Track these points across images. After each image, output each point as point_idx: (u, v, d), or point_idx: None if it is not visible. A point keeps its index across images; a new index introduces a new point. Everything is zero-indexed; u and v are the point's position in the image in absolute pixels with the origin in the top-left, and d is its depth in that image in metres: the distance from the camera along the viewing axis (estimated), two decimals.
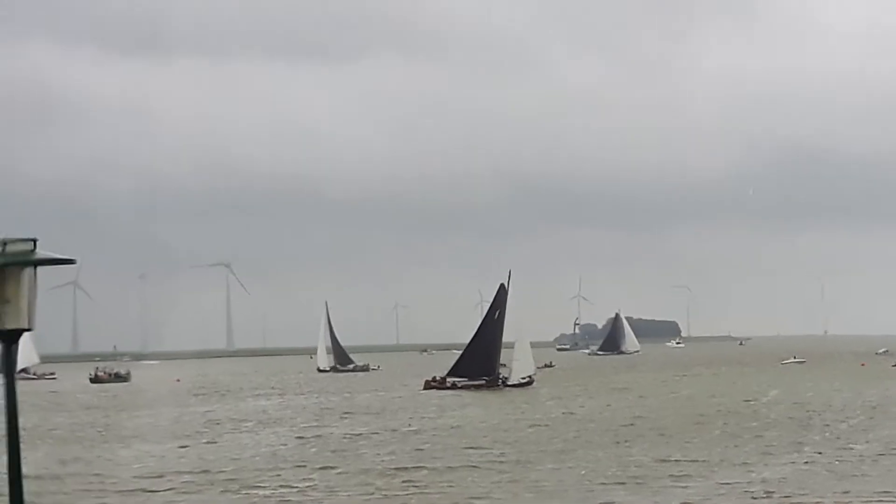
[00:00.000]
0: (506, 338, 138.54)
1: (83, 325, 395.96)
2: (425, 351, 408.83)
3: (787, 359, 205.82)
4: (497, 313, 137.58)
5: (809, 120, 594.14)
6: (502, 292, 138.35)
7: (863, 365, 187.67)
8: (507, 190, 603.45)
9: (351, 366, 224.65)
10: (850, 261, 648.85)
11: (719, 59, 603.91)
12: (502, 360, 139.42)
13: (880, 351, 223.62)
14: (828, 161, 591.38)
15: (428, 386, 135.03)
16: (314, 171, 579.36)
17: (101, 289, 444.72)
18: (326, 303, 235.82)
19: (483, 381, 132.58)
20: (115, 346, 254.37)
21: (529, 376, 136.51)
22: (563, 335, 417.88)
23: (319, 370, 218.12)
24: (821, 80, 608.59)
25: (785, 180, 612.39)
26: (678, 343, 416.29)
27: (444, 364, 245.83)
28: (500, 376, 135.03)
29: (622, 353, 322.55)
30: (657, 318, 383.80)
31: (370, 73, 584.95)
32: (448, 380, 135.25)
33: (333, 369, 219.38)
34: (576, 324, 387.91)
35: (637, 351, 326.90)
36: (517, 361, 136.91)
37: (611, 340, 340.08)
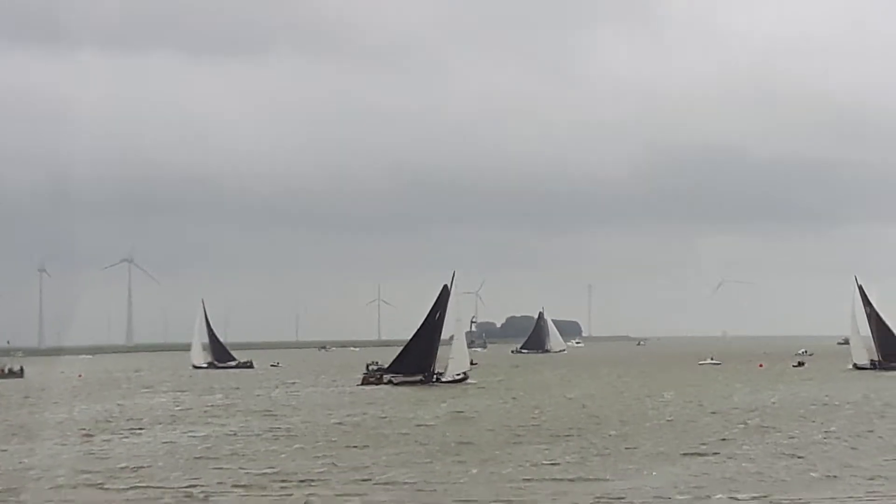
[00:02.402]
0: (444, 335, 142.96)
1: None
2: (324, 348, 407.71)
3: (704, 360, 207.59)
4: (438, 314, 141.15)
5: (710, 122, 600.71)
6: (444, 293, 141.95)
7: (760, 366, 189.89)
8: (407, 189, 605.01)
9: (233, 363, 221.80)
10: (750, 263, 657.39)
11: (623, 62, 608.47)
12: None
13: (800, 352, 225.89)
14: (729, 164, 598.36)
15: (365, 381, 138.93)
16: (217, 167, 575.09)
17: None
18: (203, 300, 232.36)
19: (419, 378, 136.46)
20: (8, 342, 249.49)
21: (464, 373, 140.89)
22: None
23: (194, 366, 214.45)
24: (721, 82, 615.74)
25: (687, 182, 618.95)
26: (577, 343, 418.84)
27: (342, 360, 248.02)
28: (435, 373, 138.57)
29: (547, 351, 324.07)
30: (559, 318, 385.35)
31: (275, 71, 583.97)
32: (384, 376, 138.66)
33: (210, 365, 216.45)
34: (472, 321, 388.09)
35: (563, 350, 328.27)
36: (453, 359, 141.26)
37: (535, 339, 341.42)
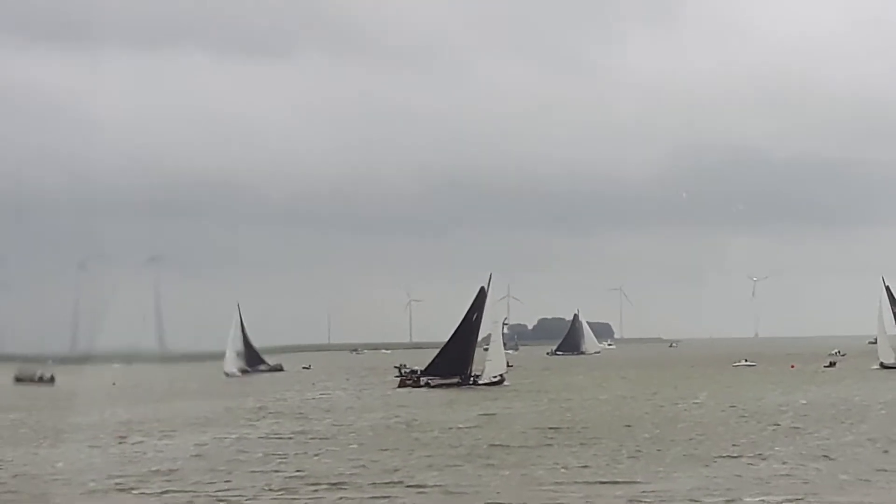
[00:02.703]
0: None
1: (5, 324, 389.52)
2: (355, 350, 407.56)
3: (738, 361, 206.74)
4: (475, 315, 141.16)
5: (735, 122, 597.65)
6: (482, 295, 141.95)
7: (792, 367, 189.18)
8: (436, 191, 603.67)
9: (263, 367, 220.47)
10: (780, 263, 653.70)
11: (646, 62, 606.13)
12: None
13: (833, 352, 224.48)
14: (756, 164, 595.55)
15: (402, 384, 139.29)
16: (244, 168, 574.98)
17: (28, 288, 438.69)
18: (238, 304, 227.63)
19: (456, 381, 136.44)
20: (39, 347, 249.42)
21: (500, 375, 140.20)
22: (489, 335, 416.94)
23: (227, 374, 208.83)
24: (748, 83, 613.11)
25: (714, 183, 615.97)
26: (609, 345, 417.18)
27: (373, 363, 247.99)
28: (472, 375, 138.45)
29: (582, 353, 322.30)
30: (590, 321, 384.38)
31: (300, 71, 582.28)
32: (422, 379, 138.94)
33: (243, 372, 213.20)
34: (504, 323, 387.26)
35: (598, 352, 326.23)
36: (490, 361, 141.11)
37: (570, 341, 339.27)
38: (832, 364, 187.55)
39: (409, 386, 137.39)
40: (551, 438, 71.77)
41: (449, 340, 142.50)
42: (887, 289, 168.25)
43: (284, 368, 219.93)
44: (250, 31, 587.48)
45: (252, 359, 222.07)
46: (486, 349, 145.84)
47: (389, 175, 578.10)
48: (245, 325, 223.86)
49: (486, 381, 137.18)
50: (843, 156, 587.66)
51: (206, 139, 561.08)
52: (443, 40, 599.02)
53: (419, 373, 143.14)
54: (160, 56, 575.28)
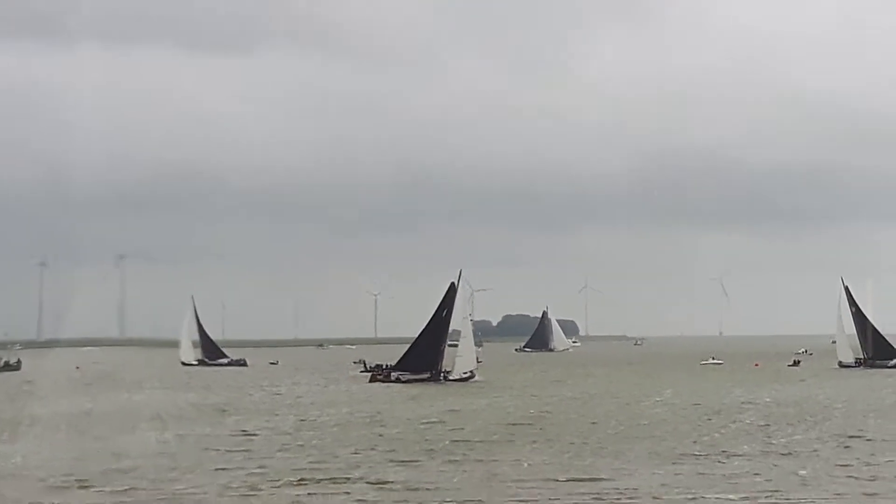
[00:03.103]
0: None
1: None
2: (321, 346, 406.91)
3: (706, 360, 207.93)
4: (445, 311, 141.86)
5: (709, 124, 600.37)
6: (452, 291, 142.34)
7: (756, 365, 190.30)
8: (405, 187, 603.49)
9: (225, 360, 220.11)
10: (745, 262, 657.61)
11: (619, 61, 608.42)
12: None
13: (799, 351, 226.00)
14: (725, 164, 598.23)
15: (373, 379, 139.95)
16: (216, 162, 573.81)
17: None
18: (193, 297, 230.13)
19: (427, 376, 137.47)
20: (5, 333, 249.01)
21: (471, 371, 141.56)
22: (454, 331, 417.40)
23: (183, 363, 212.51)
24: (721, 85, 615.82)
25: (683, 182, 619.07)
26: (574, 342, 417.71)
27: (339, 358, 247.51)
28: (442, 371, 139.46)
29: (551, 350, 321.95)
30: (555, 318, 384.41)
31: (272, 67, 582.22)
32: (392, 374, 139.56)
33: (201, 363, 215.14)
34: (467, 318, 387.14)
35: (567, 349, 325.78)
36: (460, 357, 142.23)
37: (538, 338, 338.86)
38: (796, 363, 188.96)
39: (379, 381, 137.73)
40: (513, 435, 71.67)
41: (419, 336, 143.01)
42: (846, 289, 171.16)
43: (248, 363, 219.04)
44: (223, 26, 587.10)
45: (211, 351, 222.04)
46: (454, 345, 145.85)
47: (359, 171, 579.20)
48: (204, 317, 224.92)
49: (457, 377, 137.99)
50: (814, 158, 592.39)
51: (178, 134, 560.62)
52: (414, 37, 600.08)
53: (386, 367, 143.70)
54: (133, 51, 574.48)
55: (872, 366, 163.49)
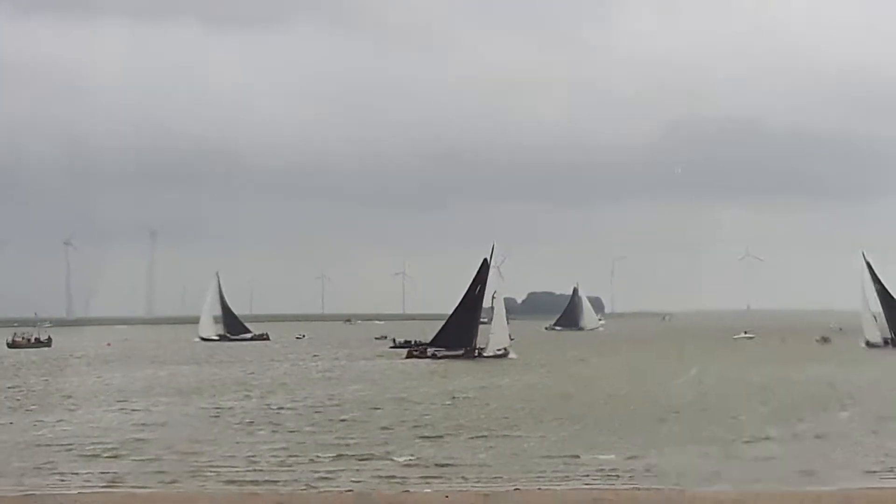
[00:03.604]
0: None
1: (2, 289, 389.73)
2: (349, 321, 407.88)
3: (738, 334, 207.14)
4: (479, 287, 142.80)
5: (733, 95, 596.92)
6: (484, 267, 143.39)
7: (784, 340, 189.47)
8: (426, 163, 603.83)
9: (248, 335, 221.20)
10: (773, 235, 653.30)
11: (640, 34, 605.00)
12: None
13: (830, 326, 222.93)
14: (749, 136, 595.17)
15: (410, 355, 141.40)
16: (241, 138, 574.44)
17: (24, 254, 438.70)
18: (217, 273, 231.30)
19: (461, 352, 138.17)
20: (35, 313, 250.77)
21: (504, 348, 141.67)
22: (492, 308, 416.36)
23: (202, 339, 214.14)
24: (742, 56, 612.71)
25: (707, 155, 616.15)
26: (600, 319, 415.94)
27: (367, 333, 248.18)
28: (477, 347, 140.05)
29: (581, 328, 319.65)
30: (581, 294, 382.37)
31: (296, 43, 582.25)
32: (428, 350, 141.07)
33: (223, 338, 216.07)
34: (493, 297, 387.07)
35: (597, 327, 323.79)
36: (493, 334, 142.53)
37: (569, 316, 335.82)
38: (825, 339, 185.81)
39: (416, 357, 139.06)
40: (545, 410, 71.64)
41: (454, 312, 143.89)
42: (868, 264, 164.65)
43: (270, 338, 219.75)
44: (246, 3, 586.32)
45: (234, 326, 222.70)
46: (484, 322, 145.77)
47: (384, 149, 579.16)
48: (230, 293, 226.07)
49: (490, 354, 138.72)
50: (839, 128, 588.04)
51: (204, 110, 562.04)
52: (438, 14, 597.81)
53: (415, 343, 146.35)
54: (157, 26, 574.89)
55: None
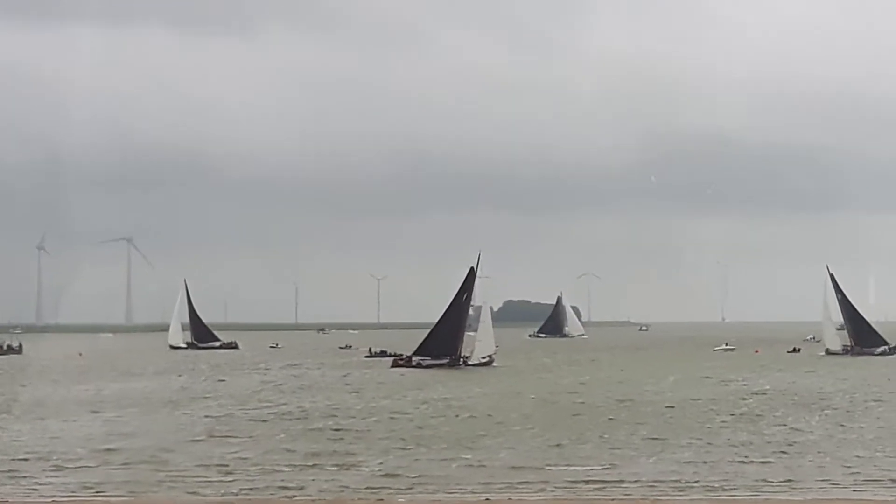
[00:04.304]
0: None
1: None
2: (322, 330, 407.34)
3: (719, 346, 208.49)
4: (465, 296, 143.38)
5: (710, 106, 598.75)
6: (471, 275, 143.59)
7: (756, 352, 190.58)
8: (403, 170, 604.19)
9: (217, 343, 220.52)
10: (747, 248, 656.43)
11: (617, 43, 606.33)
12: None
13: (808, 338, 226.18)
14: (727, 149, 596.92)
15: (395, 364, 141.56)
16: (215, 145, 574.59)
17: None
18: (185, 280, 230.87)
19: (446, 361, 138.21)
20: (5, 318, 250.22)
21: (490, 356, 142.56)
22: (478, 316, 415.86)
23: (171, 347, 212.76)
24: (719, 67, 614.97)
25: (685, 167, 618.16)
26: None
27: (340, 342, 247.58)
28: (462, 356, 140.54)
29: (565, 336, 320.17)
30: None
31: (267, 49, 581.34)
32: (413, 359, 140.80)
33: (191, 346, 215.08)
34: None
35: (582, 335, 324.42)
36: (479, 342, 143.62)
37: (553, 323, 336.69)
38: (796, 350, 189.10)
39: (401, 366, 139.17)
40: (526, 417, 71.67)
41: (439, 320, 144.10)
42: (831, 276, 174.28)
43: (238, 346, 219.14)
44: (218, 7, 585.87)
45: (202, 334, 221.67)
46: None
47: (356, 155, 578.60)
48: (196, 300, 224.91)
49: (476, 362, 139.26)
50: (815, 142, 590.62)
51: (175, 117, 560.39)
52: (412, 12, 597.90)
53: (383, 353, 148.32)
54: (129, 32, 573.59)
55: (860, 353, 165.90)
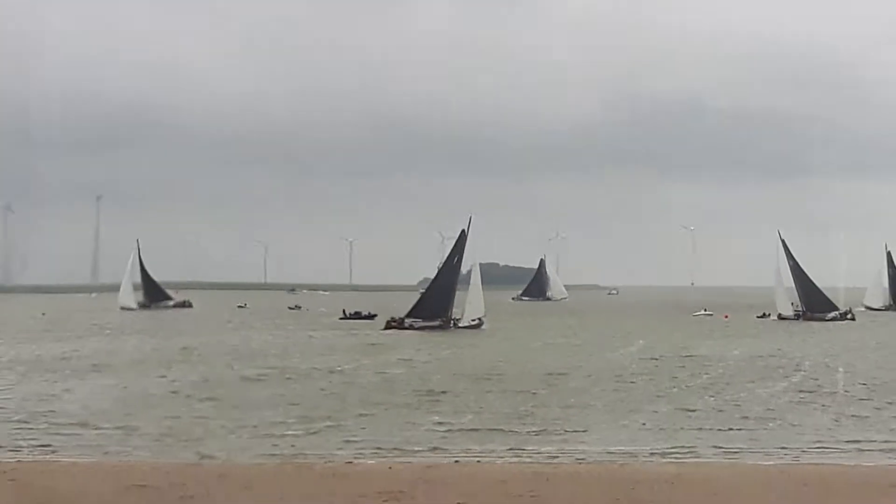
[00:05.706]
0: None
1: None
2: (293, 290, 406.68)
3: (698, 311, 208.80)
4: (456, 259, 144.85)
5: (678, 71, 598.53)
6: (462, 238, 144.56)
7: (726, 317, 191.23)
8: (372, 133, 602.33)
9: (170, 303, 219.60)
10: (715, 213, 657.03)
11: (590, 6, 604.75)
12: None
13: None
14: (691, 113, 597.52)
15: (388, 326, 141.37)
16: (187, 104, 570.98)
17: None
18: (138, 240, 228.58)
19: (437, 323, 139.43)
20: None
21: (479, 318, 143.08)
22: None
23: (122, 308, 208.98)
24: (688, 31, 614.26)
25: (651, 130, 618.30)
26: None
27: (310, 303, 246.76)
28: (453, 318, 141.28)
29: (548, 299, 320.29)
30: (525, 266, 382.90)
31: (238, 9, 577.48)
32: (406, 321, 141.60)
33: (142, 306, 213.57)
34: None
35: (564, 298, 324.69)
36: (470, 304, 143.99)
37: (536, 286, 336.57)
38: (765, 315, 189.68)
39: (394, 328, 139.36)
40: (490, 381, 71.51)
41: (432, 282, 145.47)
42: (783, 242, 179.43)
43: (192, 305, 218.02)
44: None
45: (153, 293, 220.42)
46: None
47: (329, 117, 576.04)
48: (149, 258, 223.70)
49: (466, 325, 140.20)
50: (788, 108, 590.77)
51: (144, 77, 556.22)
52: None
53: (355, 313, 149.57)
54: None
55: (811, 318, 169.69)
